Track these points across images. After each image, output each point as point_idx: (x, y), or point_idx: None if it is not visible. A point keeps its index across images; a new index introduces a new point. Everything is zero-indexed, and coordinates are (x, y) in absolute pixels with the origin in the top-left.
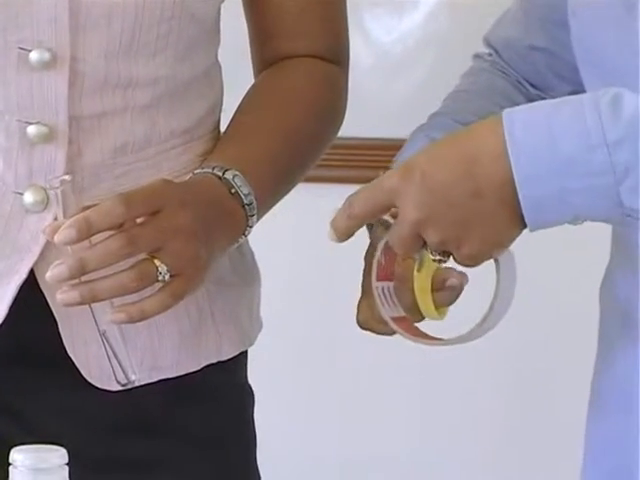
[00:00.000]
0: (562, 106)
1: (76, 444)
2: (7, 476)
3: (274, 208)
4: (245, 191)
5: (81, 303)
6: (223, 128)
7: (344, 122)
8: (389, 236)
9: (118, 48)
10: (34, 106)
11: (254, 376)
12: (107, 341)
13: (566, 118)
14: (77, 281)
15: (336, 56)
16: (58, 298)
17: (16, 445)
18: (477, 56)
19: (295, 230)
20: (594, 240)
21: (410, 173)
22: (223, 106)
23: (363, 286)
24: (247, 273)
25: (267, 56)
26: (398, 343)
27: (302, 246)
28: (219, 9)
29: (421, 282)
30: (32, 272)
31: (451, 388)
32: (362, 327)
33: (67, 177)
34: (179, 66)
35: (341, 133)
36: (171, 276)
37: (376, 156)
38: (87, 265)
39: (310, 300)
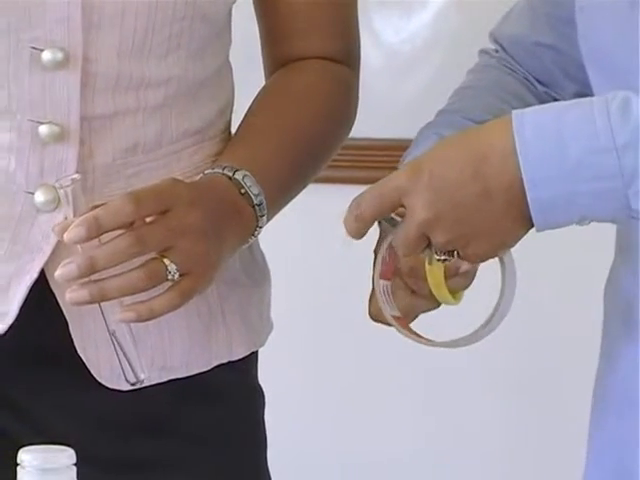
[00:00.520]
0: (572, 109)
1: (85, 444)
2: (15, 476)
3: (283, 209)
4: (255, 191)
5: (90, 302)
6: (233, 129)
7: (354, 123)
8: (393, 236)
9: (131, 48)
10: (46, 106)
11: (264, 377)
12: (116, 340)
13: (575, 121)
14: (86, 280)
15: (347, 58)
16: (67, 297)
17: (25, 445)
18: (483, 52)
19: (304, 231)
20: (600, 239)
21: (418, 172)
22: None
23: (373, 280)
24: (257, 273)
25: (278, 57)
26: (405, 345)
27: (311, 246)
28: (230, 10)
29: (434, 276)
30: (43, 272)
31: (457, 389)
32: (374, 319)
33: (77, 176)
34: (191, 66)
35: (350, 134)
36: (180, 275)
37: (385, 156)
38: (96, 264)
39: (319, 300)
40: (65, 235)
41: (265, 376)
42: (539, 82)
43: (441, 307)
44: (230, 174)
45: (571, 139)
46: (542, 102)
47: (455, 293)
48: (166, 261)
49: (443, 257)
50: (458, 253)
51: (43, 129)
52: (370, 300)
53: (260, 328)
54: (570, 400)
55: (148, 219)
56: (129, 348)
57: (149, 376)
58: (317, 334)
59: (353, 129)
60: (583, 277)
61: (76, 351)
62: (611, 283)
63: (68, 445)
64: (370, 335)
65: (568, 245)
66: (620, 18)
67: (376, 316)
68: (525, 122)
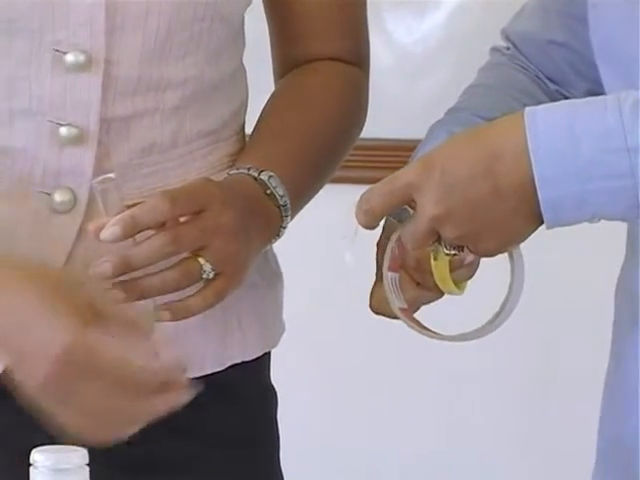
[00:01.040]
0: (584, 107)
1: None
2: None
3: None
4: (280, 192)
5: (125, 301)
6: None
7: (365, 123)
8: (402, 229)
9: (152, 49)
10: (66, 108)
11: (275, 376)
12: None
13: (588, 120)
14: (121, 279)
15: (358, 58)
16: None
17: (39, 445)
18: (495, 50)
19: (315, 231)
20: (613, 239)
21: (430, 168)
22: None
23: (377, 272)
24: (271, 275)
25: (290, 58)
26: (421, 344)
27: (323, 246)
28: (245, 11)
29: (439, 270)
30: None
31: (469, 389)
32: (375, 312)
33: (112, 175)
34: (208, 68)
35: (362, 134)
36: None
37: (397, 157)
38: (131, 263)
39: (330, 300)
40: (101, 234)
41: (276, 375)
42: (550, 80)
43: (449, 301)
44: (255, 175)
45: (583, 138)
46: (553, 100)
47: (459, 283)
48: (201, 260)
49: (453, 252)
50: (468, 247)
51: (62, 131)
52: (372, 293)
53: (273, 329)
54: (579, 399)
55: (182, 218)
56: None
57: None
58: (328, 334)
59: (365, 130)
60: (594, 276)
61: None
62: (622, 283)
63: (84, 445)
64: (381, 334)
65: (580, 245)
66: (633, 15)
67: (377, 309)
68: (537, 120)
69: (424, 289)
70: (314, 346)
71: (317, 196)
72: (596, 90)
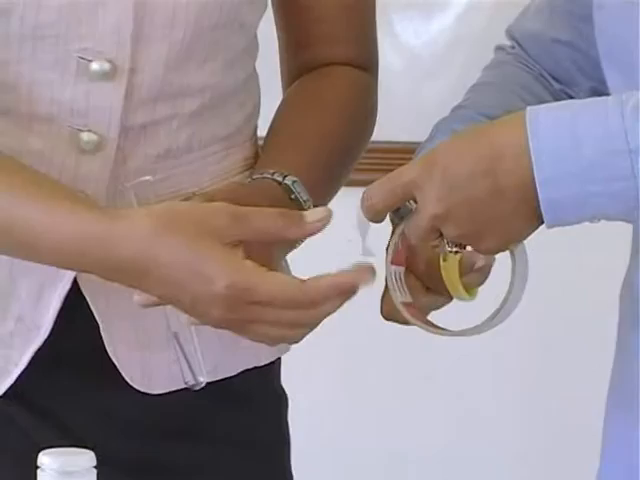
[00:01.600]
0: (586, 109)
1: (112, 447)
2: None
3: None
4: (304, 197)
5: (158, 304)
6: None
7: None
8: (406, 224)
9: (175, 58)
10: (88, 114)
11: (286, 379)
12: (178, 342)
13: (590, 121)
14: None
15: (367, 63)
16: (135, 299)
17: (47, 448)
18: (499, 48)
19: (327, 234)
20: (618, 240)
21: (431, 166)
22: None
23: (386, 278)
24: None
25: (300, 64)
26: (431, 343)
27: (333, 250)
28: (261, 18)
29: (449, 273)
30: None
31: (483, 384)
32: (386, 318)
33: (149, 178)
34: (225, 74)
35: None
36: None
37: (406, 159)
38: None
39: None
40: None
41: (286, 377)
42: (555, 79)
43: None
44: (280, 179)
45: (585, 140)
46: (557, 99)
47: (470, 289)
48: None
49: (455, 249)
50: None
51: (82, 137)
52: (382, 299)
53: None
54: (585, 399)
55: None
56: (190, 350)
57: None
58: (338, 335)
59: (374, 132)
60: (599, 275)
61: (107, 354)
62: (626, 285)
63: (95, 448)
64: (390, 336)
65: (586, 245)
66: (637, 15)
67: (388, 315)
68: (539, 121)
69: (434, 294)
70: (324, 348)
71: None
72: (600, 89)
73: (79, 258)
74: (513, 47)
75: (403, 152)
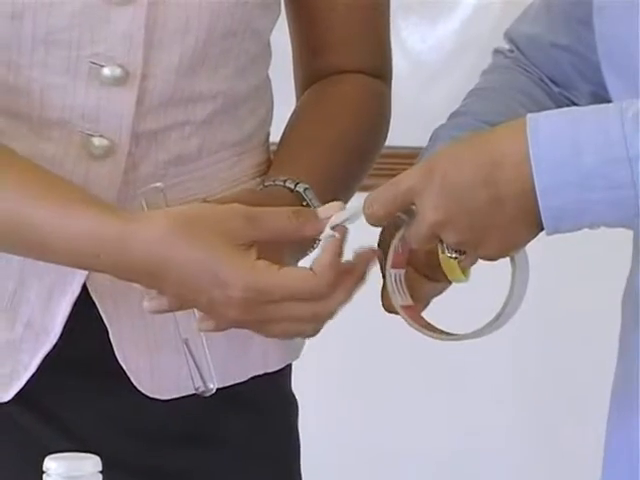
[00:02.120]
0: (586, 117)
1: (120, 452)
2: None
3: None
4: (316, 204)
5: (168, 310)
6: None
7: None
8: (405, 229)
9: (187, 64)
10: (99, 120)
11: (295, 384)
12: (188, 348)
13: (590, 130)
14: None
15: (380, 71)
16: (145, 305)
17: (53, 453)
18: (498, 52)
19: None
20: (622, 243)
21: (431, 174)
22: None
23: (382, 272)
24: None
25: (313, 71)
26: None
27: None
28: (274, 25)
29: (447, 263)
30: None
31: (490, 388)
32: (388, 311)
33: (160, 185)
34: (237, 81)
35: None
36: None
37: (411, 165)
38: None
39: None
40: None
41: (296, 383)
42: (554, 83)
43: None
44: (292, 187)
45: (585, 148)
46: (557, 103)
47: (464, 270)
48: None
49: (454, 255)
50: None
51: (93, 142)
52: (382, 293)
53: (295, 341)
54: (588, 401)
55: None
56: (200, 356)
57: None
58: (349, 343)
59: None
60: (602, 279)
61: (116, 359)
62: (628, 288)
63: (101, 452)
64: (399, 340)
65: (589, 249)
66: (638, 20)
67: (389, 307)
68: (539, 129)
69: (432, 281)
70: (334, 353)
71: None
72: (600, 93)
73: (93, 259)
74: (512, 51)
75: (408, 157)
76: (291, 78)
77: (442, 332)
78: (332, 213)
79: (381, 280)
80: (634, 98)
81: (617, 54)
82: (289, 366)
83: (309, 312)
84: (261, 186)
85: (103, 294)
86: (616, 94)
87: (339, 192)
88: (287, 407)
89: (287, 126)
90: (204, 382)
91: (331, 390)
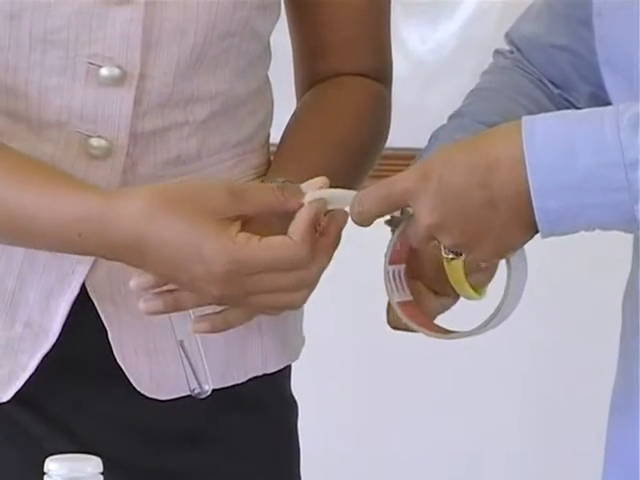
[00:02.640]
0: (582, 120)
1: (120, 453)
2: None
3: None
4: None
5: (164, 312)
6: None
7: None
8: (404, 228)
9: (185, 65)
10: (97, 120)
11: (295, 385)
12: (184, 350)
13: (585, 133)
14: (161, 290)
15: (380, 74)
16: (140, 307)
17: (54, 454)
18: (498, 53)
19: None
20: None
21: (426, 176)
22: None
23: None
24: None
25: (313, 74)
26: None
27: (342, 258)
28: (274, 26)
29: (454, 273)
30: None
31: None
32: (392, 327)
33: None
34: (236, 82)
35: None
36: None
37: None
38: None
39: (350, 307)
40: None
41: (295, 384)
42: (553, 84)
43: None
44: None
45: (580, 152)
46: (557, 105)
47: (478, 288)
48: None
49: (451, 256)
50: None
51: (91, 143)
52: (388, 309)
53: (295, 342)
54: (588, 403)
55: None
56: (196, 358)
57: (212, 387)
58: (348, 342)
59: None
60: (603, 280)
61: (115, 360)
62: (628, 290)
63: (102, 454)
64: (399, 344)
65: (589, 250)
66: (637, 23)
67: (393, 323)
68: (535, 132)
69: (442, 297)
70: (334, 355)
71: None
72: (599, 94)
73: (77, 239)
74: (512, 52)
75: (409, 159)
76: (291, 79)
77: (439, 329)
78: (316, 188)
79: (381, 281)
80: (633, 100)
81: (616, 56)
82: (289, 367)
83: (292, 280)
84: None
85: (102, 294)
86: (615, 96)
87: None
88: (287, 408)
89: (287, 128)
90: (199, 384)
91: (331, 392)
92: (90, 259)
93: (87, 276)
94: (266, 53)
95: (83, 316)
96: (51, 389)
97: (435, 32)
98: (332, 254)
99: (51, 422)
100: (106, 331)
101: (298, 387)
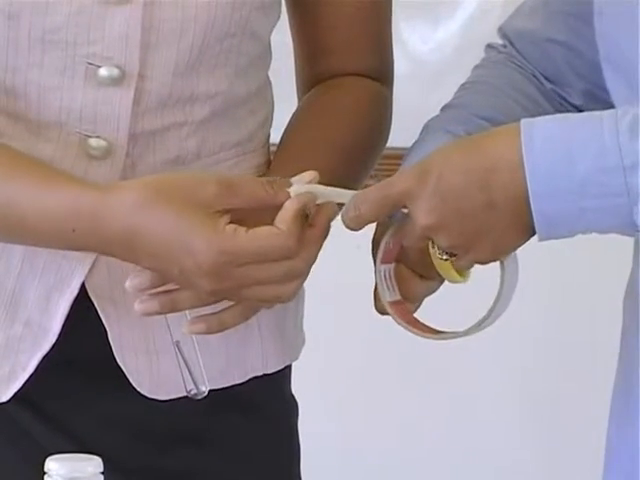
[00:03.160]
0: (581, 124)
1: (120, 454)
2: None
3: None
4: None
5: (160, 313)
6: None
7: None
8: (397, 228)
9: (184, 65)
10: (96, 120)
11: (295, 385)
12: (180, 351)
13: (585, 137)
14: (157, 291)
15: (381, 74)
16: (136, 307)
17: (54, 454)
18: (490, 47)
19: (335, 242)
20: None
21: (425, 177)
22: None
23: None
24: None
25: (315, 74)
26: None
27: (343, 257)
28: (274, 27)
29: (440, 263)
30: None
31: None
32: (380, 313)
33: None
34: (236, 82)
35: None
36: None
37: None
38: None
39: (350, 307)
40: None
41: (296, 384)
42: (547, 79)
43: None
44: None
45: (579, 156)
46: (549, 100)
47: (462, 272)
48: None
49: (445, 257)
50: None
51: (91, 143)
52: (375, 294)
53: (294, 342)
54: (588, 404)
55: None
56: (192, 359)
57: (209, 388)
58: (348, 342)
59: None
60: (603, 281)
61: (115, 361)
62: (629, 291)
63: (102, 453)
64: (400, 344)
65: (590, 250)
66: (638, 22)
67: (381, 309)
68: (534, 135)
69: (427, 280)
70: (335, 355)
71: None
72: (593, 91)
73: (70, 234)
74: (505, 46)
75: None
76: (292, 79)
77: (430, 330)
78: (305, 182)
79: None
80: (634, 99)
81: (617, 55)
82: (289, 367)
83: (281, 271)
84: None
85: (102, 295)
86: (616, 94)
87: None
88: (287, 409)
89: (287, 128)
90: (196, 384)
91: (332, 392)
92: (90, 259)
93: (87, 276)
94: (266, 53)
95: (83, 316)
96: (51, 389)
97: (436, 32)
98: (320, 245)
99: (51, 422)
100: (106, 331)
101: (298, 387)
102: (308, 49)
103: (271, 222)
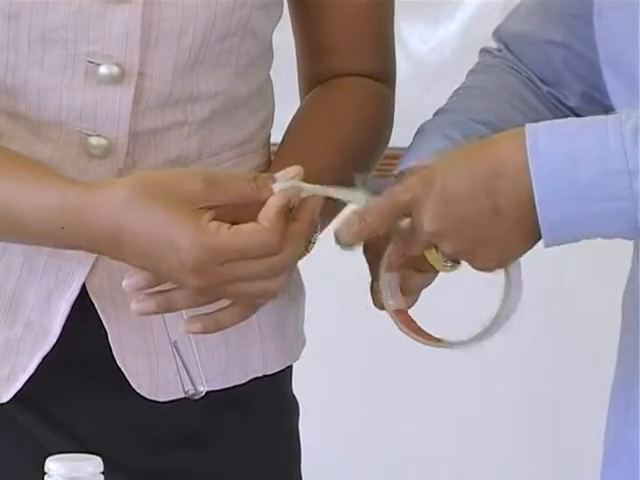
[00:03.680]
0: (585, 129)
1: (120, 454)
2: None
3: None
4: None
5: (156, 312)
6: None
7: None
8: (403, 236)
9: (184, 64)
10: (96, 119)
11: (296, 386)
12: (177, 351)
13: (589, 142)
14: (153, 290)
15: (384, 75)
16: (133, 307)
17: (54, 454)
18: (485, 51)
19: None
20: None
21: (429, 184)
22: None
23: (371, 271)
24: (294, 288)
25: (317, 74)
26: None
27: (343, 259)
28: (275, 26)
29: (432, 257)
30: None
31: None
32: (379, 308)
33: None
34: (237, 82)
35: None
36: None
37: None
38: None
39: (350, 308)
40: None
41: (297, 384)
42: (543, 82)
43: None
44: None
45: (584, 160)
46: (545, 104)
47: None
48: None
49: (449, 264)
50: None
51: (91, 142)
52: (371, 290)
53: (295, 342)
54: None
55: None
56: (189, 359)
57: (207, 389)
58: (349, 342)
59: None
60: (602, 281)
61: (115, 361)
62: (628, 291)
63: (102, 454)
64: (401, 345)
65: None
66: (638, 23)
67: (380, 304)
68: (538, 141)
69: (422, 273)
70: (335, 356)
71: None
72: (591, 93)
73: (60, 231)
74: (500, 50)
75: None
76: (293, 79)
77: (432, 338)
78: (289, 177)
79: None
80: (635, 102)
81: (617, 56)
82: (289, 368)
83: (264, 268)
84: None
85: (102, 296)
86: (616, 98)
87: None
88: (287, 409)
89: (288, 128)
90: (193, 385)
91: (332, 392)
92: (90, 260)
93: (87, 277)
94: (267, 53)
95: (83, 317)
96: (51, 389)
97: (436, 32)
98: (304, 240)
99: (51, 422)
100: (106, 332)
101: (299, 387)
102: (310, 49)
103: (256, 218)
